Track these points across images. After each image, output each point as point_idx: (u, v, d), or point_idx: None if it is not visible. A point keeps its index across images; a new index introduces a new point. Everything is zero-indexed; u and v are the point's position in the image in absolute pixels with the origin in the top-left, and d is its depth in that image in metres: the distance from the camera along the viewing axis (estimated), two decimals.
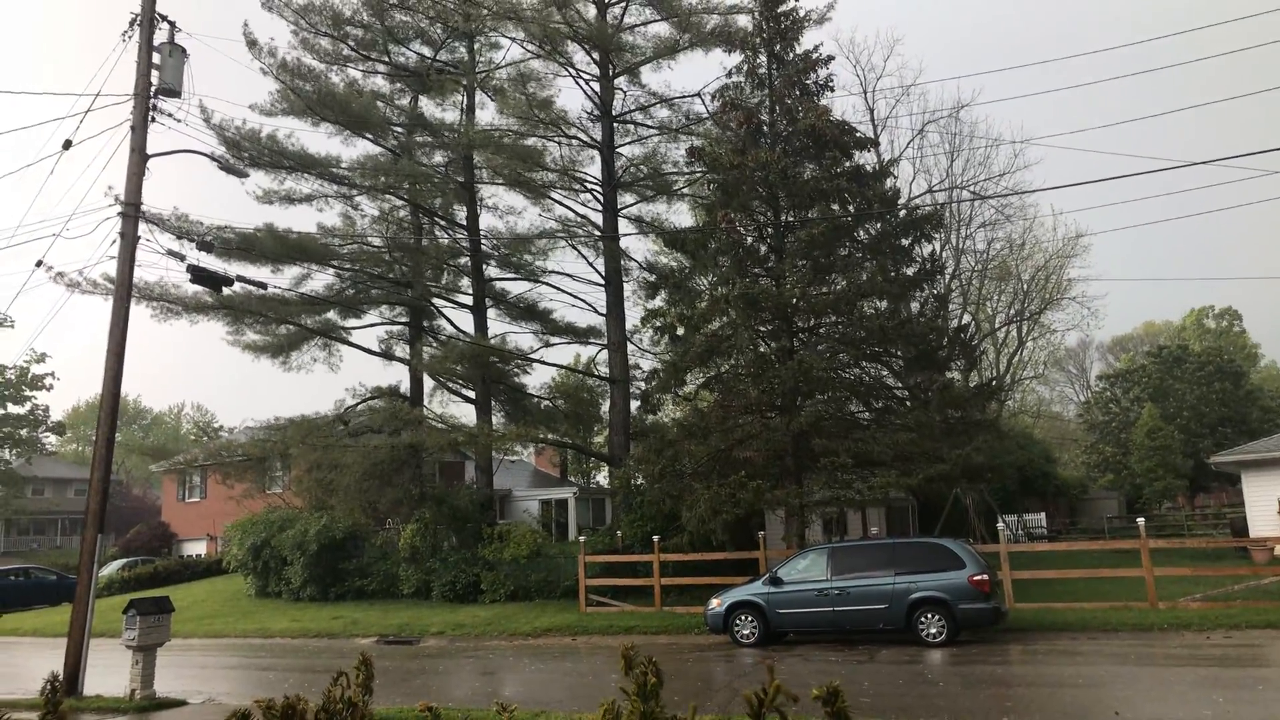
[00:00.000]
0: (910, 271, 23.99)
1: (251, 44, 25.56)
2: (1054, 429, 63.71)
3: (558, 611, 22.54)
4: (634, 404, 28.38)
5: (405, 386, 30.29)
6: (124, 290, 15.52)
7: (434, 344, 30.27)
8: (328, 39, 28.13)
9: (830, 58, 23.23)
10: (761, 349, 22.44)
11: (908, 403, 23.57)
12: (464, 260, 30.45)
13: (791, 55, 23.29)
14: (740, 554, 21.79)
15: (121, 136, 15.87)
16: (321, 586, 28.07)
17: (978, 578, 15.74)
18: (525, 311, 32.17)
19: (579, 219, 30.07)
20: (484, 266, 30.45)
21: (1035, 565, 20.71)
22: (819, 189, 22.05)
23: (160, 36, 16.08)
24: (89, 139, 27.64)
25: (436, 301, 30.73)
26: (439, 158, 30.68)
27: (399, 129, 29.71)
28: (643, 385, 27.36)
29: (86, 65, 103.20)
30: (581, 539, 24.66)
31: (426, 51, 30.14)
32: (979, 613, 15.74)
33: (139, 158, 15.70)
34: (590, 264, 30.06)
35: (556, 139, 28.75)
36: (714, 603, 17.94)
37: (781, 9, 23.21)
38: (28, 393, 55.71)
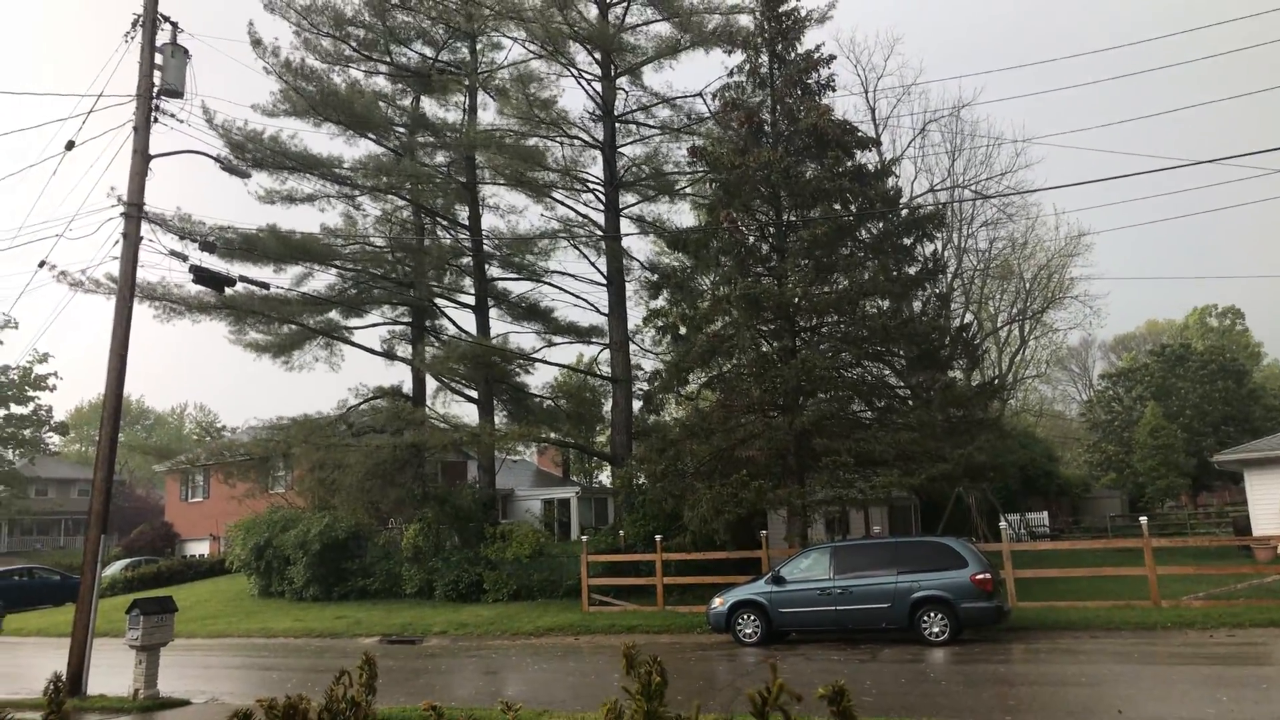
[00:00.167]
0: (912, 271, 23.98)
1: (256, 43, 25.59)
2: (1056, 428, 63.64)
3: (560, 611, 22.55)
4: (636, 404, 28.39)
5: (408, 386, 30.34)
6: (127, 290, 15.54)
7: (436, 344, 30.30)
8: (330, 39, 28.15)
9: (832, 57, 23.22)
10: (764, 348, 22.44)
11: (910, 402, 23.55)
12: (466, 260, 30.48)
13: (793, 55, 23.28)
14: (742, 553, 21.79)
15: (124, 137, 15.91)
16: (324, 586, 28.10)
17: (980, 576, 15.74)
18: (527, 311, 32.19)
19: (581, 219, 30.10)
20: (486, 266, 30.47)
21: (1038, 564, 20.71)
22: (821, 188, 22.05)
23: (163, 37, 16.10)
24: (91, 140, 27.62)
25: (438, 301, 30.76)
26: (441, 158, 30.70)
27: (401, 129, 29.73)
28: (645, 385, 27.38)
29: (89, 66, 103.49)
30: (584, 538, 24.66)
31: (428, 52, 30.17)
32: (982, 612, 15.73)
33: (141, 158, 15.72)
34: (592, 264, 30.09)
35: (558, 139, 28.76)
36: (716, 602, 17.94)
37: (783, 8, 23.19)
38: (31, 393, 55.81)
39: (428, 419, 27.84)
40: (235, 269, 24.32)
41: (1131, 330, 77.23)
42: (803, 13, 23.43)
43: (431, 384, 30.35)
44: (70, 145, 15.92)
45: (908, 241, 24.05)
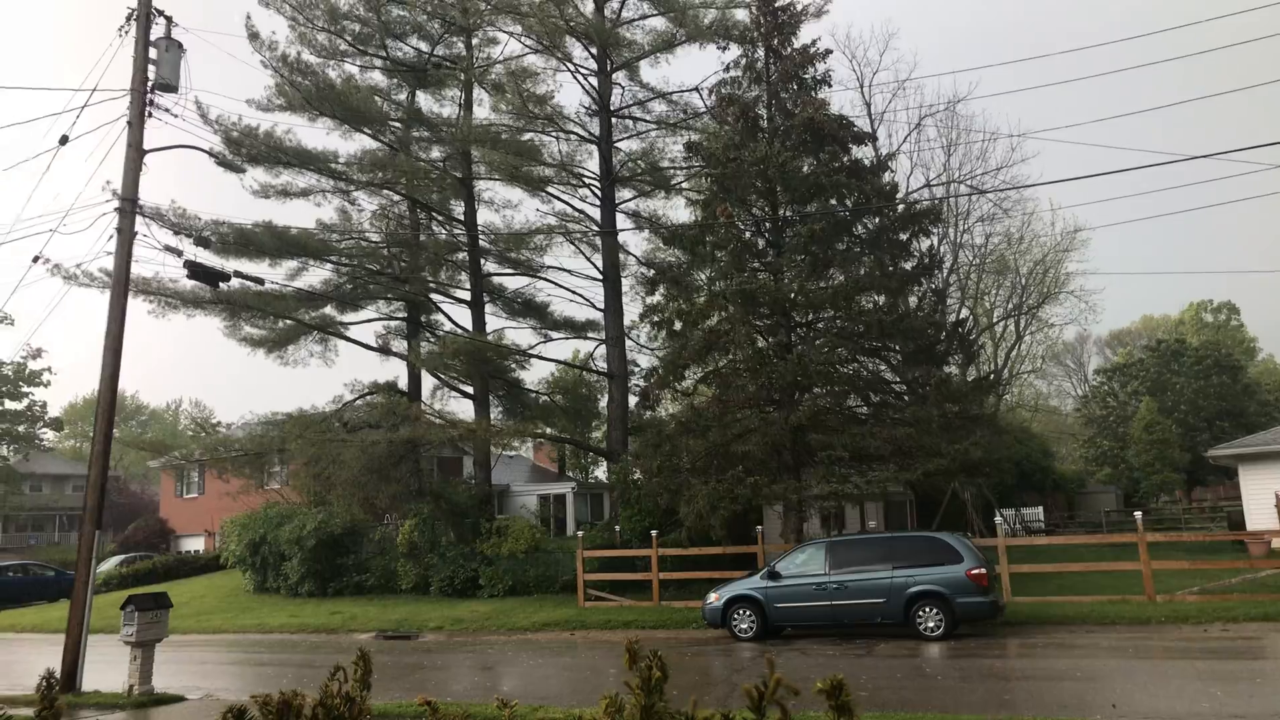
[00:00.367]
0: (908, 266, 23.99)
1: (253, 37, 25.50)
2: (1052, 423, 63.75)
3: (556, 606, 22.56)
4: (632, 399, 28.38)
5: (403, 382, 30.30)
6: (121, 286, 15.49)
7: (432, 339, 30.24)
8: (325, 34, 28.08)
9: (828, 52, 23.23)
10: (760, 344, 22.43)
11: (905, 397, 23.58)
12: (462, 255, 30.41)
13: (789, 49, 23.26)
14: (738, 549, 21.80)
15: (119, 132, 15.86)
16: (320, 582, 28.07)
17: (976, 571, 15.76)
18: (523, 307, 32.16)
19: (577, 214, 30.05)
20: (482, 262, 30.42)
21: (1033, 559, 20.75)
22: (817, 183, 22.06)
23: (157, 31, 16.04)
24: (86, 134, 27.46)
25: (434, 297, 30.69)
26: (436, 153, 30.64)
27: (397, 124, 29.65)
28: (641, 381, 27.36)
29: (83, 61, 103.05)
30: (580, 534, 24.66)
31: (424, 47, 30.10)
32: (977, 606, 15.75)
33: (136, 153, 15.67)
34: (588, 259, 30.05)
35: (554, 134, 28.70)
36: (712, 597, 17.95)
37: (779, 3, 23.19)
38: (25, 388, 55.65)
39: (423, 414, 27.80)
40: (230, 264, 24.33)
41: (1127, 325, 77.37)
42: (798, 7, 23.43)
43: (427, 379, 30.32)
44: (64, 140, 15.86)
45: (904, 237, 24.07)
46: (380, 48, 29.47)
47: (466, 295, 30.39)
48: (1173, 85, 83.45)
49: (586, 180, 29.46)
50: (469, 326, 29.68)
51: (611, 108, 29.00)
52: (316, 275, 29.13)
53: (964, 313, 37.40)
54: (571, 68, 28.43)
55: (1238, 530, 26.82)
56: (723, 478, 20.51)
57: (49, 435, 62.04)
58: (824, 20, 26.82)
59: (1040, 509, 40.11)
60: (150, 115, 15.92)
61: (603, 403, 31.28)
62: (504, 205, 32.54)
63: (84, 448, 73.44)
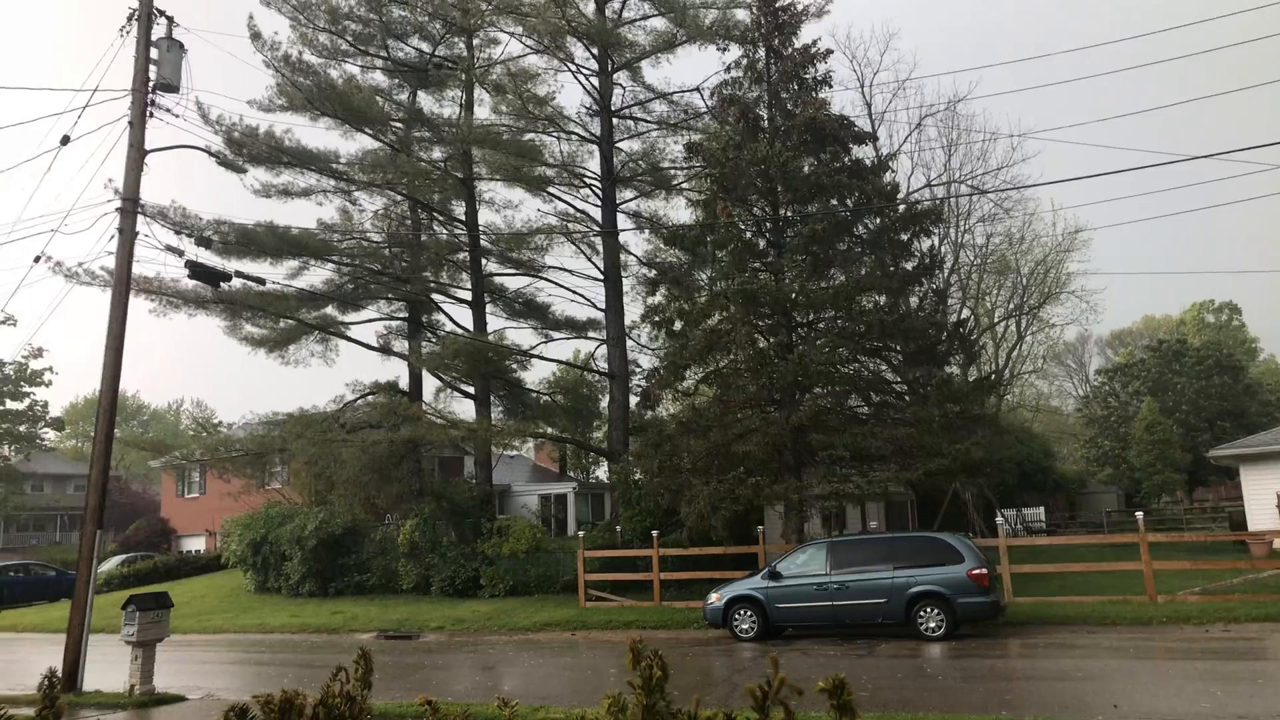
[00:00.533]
0: (909, 266, 24.00)
1: (255, 36, 25.50)
2: (1053, 423, 63.74)
3: (557, 606, 22.56)
4: (633, 399, 28.38)
5: (404, 382, 30.31)
6: (122, 286, 15.49)
7: (433, 339, 30.25)
8: (326, 34, 28.09)
9: (828, 52, 23.25)
10: (760, 344, 22.43)
11: (906, 397, 23.59)
12: (463, 255, 30.42)
13: (789, 49, 23.27)
14: (739, 549, 21.79)
15: (120, 132, 15.86)
16: (321, 582, 28.08)
17: (977, 572, 15.76)
18: (524, 307, 32.16)
19: (578, 214, 30.05)
20: (483, 262, 30.43)
21: (1034, 559, 20.73)
22: (818, 183, 22.06)
23: (158, 32, 16.04)
24: (87, 134, 27.45)
25: (435, 297, 30.70)
26: (438, 153, 30.62)
27: (398, 124, 29.64)
28: (642, 381, 27.36)
29: (85, 61, 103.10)
30: (581, 534, 24.66)
31: (425, 47, 30.09)
32: (978, 607, 15.75)
33: (137, 153, 15.67)
34: (589, 259, 30.06)
35: (555, 134, 28.71)
36: (713, 597, 17.94)
37: (779, 3, 23.18)
38: (26, 388, 55.65)
39: (424, 414, 27.80)
40: (232, 264, 24.35)
41: (1128, 325, 77.35)
42: (799, 7, 23.44)
43: (429, 380, 30.33)
44: (65, 140, 15.87)
45: (905, 237, 24.07)
46: (382, 48, 29.47)
47: (468, 295, 30.40)
48: (1174, 85, 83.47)
49: (588, 180, 29.48)
50: (470, 327, 29.69)
51: (612, 108, 29.00)
52: (318, 275, 29.18)
53: (965, 313, 37.42)
54: (573, 68, 28.47)
55: (1239, 530, 26.82)
56: (724, 478, 20.50)
57: (50, 435, 62.07)
58: (824, 20, 26.80)
59: (1041, 509, 40.12)
60: (151, 115, 15.93)
61: (604, 403, 31.27)
62: (505, 206, 32.56)
63: (85, 448, 73.48)
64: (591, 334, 32.35)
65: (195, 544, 45.02)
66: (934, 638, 15.58)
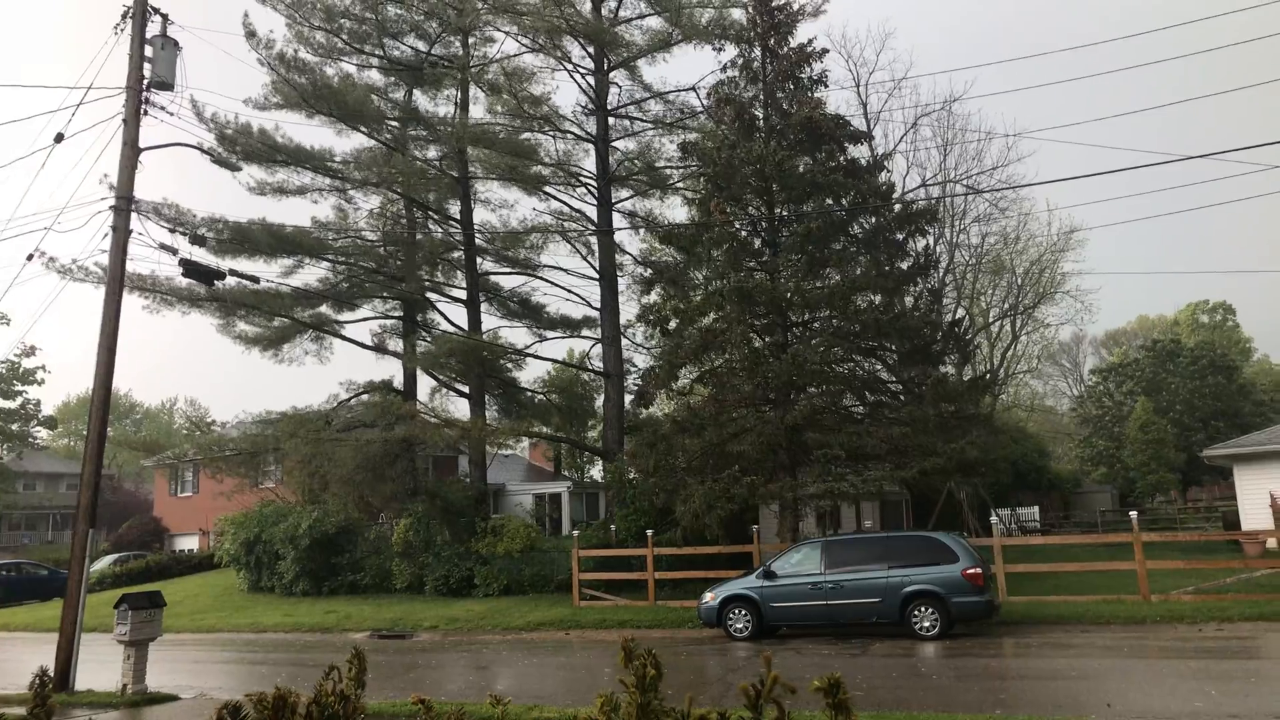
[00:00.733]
0: (904, 266, 24.02)
1: (250, 35, 25.42)
2: (1047, 423, 63.89)
3: (551, 606, 22.54)
4: (628, 399, 28.37)
5: (399, 381, 30.25)
6: (116, 284, 15.44)
7: (427, 338, 30.19)
8: (322, 33, 28.03)
9: (824, 51, 23.25)
10: (755, 343, 22.44)
11: (901, 397, 23.61)
12: (458, 254, 30.38)
13: (785, 49, 23.28)
14: (734, 548, 21.78)
15: (114, 130, 15.82)
16: (314, 581, 28.02)
17: (971, 571, 15.77)
18: (519, 306, 32.12)
19: (574, 213, 30.03)
20: (478, 260, 30.39)
21: (1028, 559, 20.76)
22: (814, 182, 22.07)
23: (153, 29, 16.01)
24: (82, 132, 27.37)
25: (430, 295, 30.65)
26: (433, 152, 30.58)
27: (393, 122, 29.59)
28: (637, 380, 27.35)
29: (79, 58, 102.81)
30: (575, 533, 24.64)
31: (421, 46, 30.04)
32: (972, 606, 15.76)
33: (131, 151, 15.63)
34: (584, 258, 30.02)
35: (550, 133, 28.67)
36: (708, 597, 17.93)
37: (775, 2, 23.18)
38: (19, 386, 55.50)
39: (419, 413, 27.73)
40: (226, 262, 24.30)
41: (1123, 325, 77.60)
42: (795, 7, 23.45)
43: (423, 379, 30.27)
44: (59, 138, 15.81)
45: (900, 236, 24.09)
46: (378, 46, 29.41)
47: (463, 294, 30.36)
48: (1169, 85, 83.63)
49: (583, 179, 29.43)
50: (465, 326, 29.65)
51: (608, 107, 28.98)
52: (312, 273, 29.13)
53: (960, 312, 37.47)
54: (569, 67, 28.44)
55: (1233, 530, 26.86)
56: (719, 477, 20.50)
57: (43, 434, 61.92)
58: (820, 20, 26.91)
59: (1036, 509, 40.18)
60: (146, 113, 15.89)
61: (599, 402, 31.25)
62: (500, 205, 32.51)
63: (78, 446, 73.31)
64: (586, 333, 32.34)
65: (188, 543, 44.89)
66: (928, 637, 15.58)
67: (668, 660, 3.08)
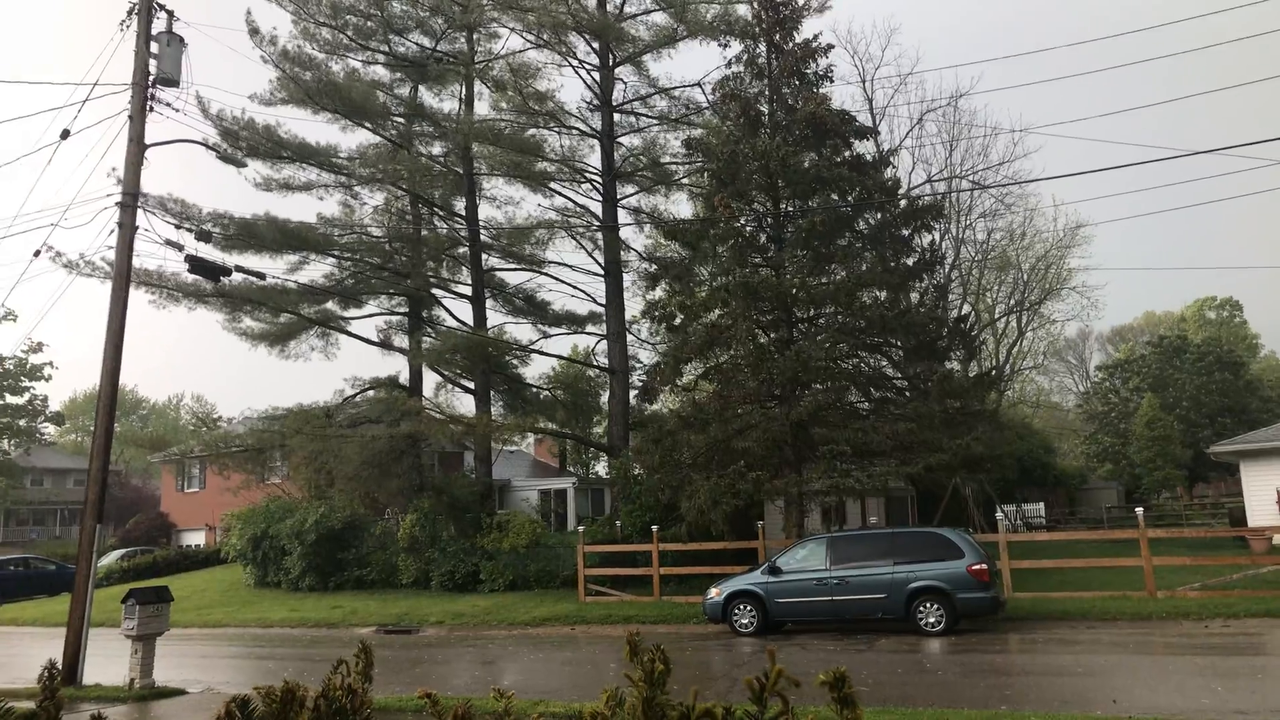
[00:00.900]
0: (910, 261, 23.98)
1: (253, 32, 25.48)
2: (1053, 419, 63.79)
3: (556, 601, 22.57)
4: (633, 394, 28.38)
5: (404, 377, 30.30)
6: (122, 280, 15.48)
7: (433, 334, 30.23)
8: (328, 29, 28.06)
9: (830, 47, 23.20)
10: (761, 339, 22.42)
11: (907, 393, 23.57)
12: (463, 250, 30.40)
13: (790, 45, 23.22)
14: (739, 544, 21.79)
15: (120, 126, 15.85)
16: (320, 576, 28.09)
17: (977, 567, 15.76)
18: (524, 302, 32.15)
19: (579, 209, 30.03)
20: (483, 257, 30.40)
21: (1034, 555, 20.74)
22: (819, 178, 22.03)
23: (158, 26, 16.04)
24: (88, 128, 27.44)
25: (436, 292, 30.69)
26: (438, 148, 30.60)
27: (399, 118, 29.62)
28: (642, 376, 27.36)
29: (85, 54, 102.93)
30: (580, 529, 24.67)
31: (426, 42, 30.03)
32: (978, 602, 15.76)
33: (137, 147, 15.66)
34: (590, 254, 30.05)
35: (555, 129, 28.67)
36: (713, 592, 17.95)
37: None
38: (26, 383, 55.69)
39: (424, 409, 27.79)
40: (232, 258, 24.31)
41: (1129, 322, 77.41)
42: (800, 2, 23.37)
43: (429, 375, 30.34)
44: (65, 134, 15.86)
45: (905, 232, 24.05)
46: (383, 42, 29.43)
47: (468, 290, 30.39)
48: (1177, 80, 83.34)
49: (588, 175, 29.45)
50: (470, 322, 29.70)
51: (613, 103, 28.96)
52: (318, 269, 29.17)
53: (966, 308, 37.45)
54: (574, 63, 28.42)
55: (1239, 526, 26.81)
56: (724, 473, 20.49)
57: (50, 429, 62.19)
58: (826, 15, 26.84)
59: (1041, 505, 40.17)
60: (152, 109, 15.92)
61: (604, 398, 31.27)
62: (506, 201, 32.60)
63: (85, 442, 73.51)
64: (592, 329, 32.38)
65: (195, 538, 45.04)
66: (934, 633, 15.58)
67: (673, 655, 3.08)
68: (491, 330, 29.59)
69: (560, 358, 33.83)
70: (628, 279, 29.69)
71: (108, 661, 15.18)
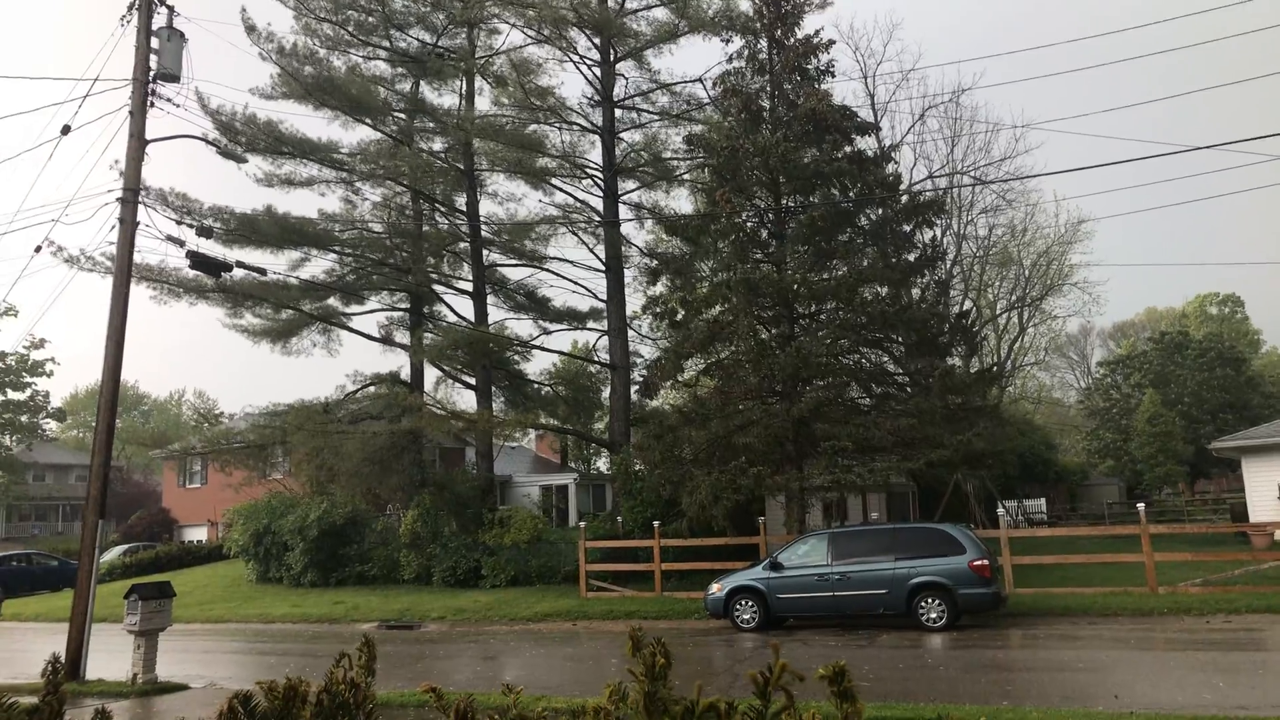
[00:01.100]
0: (911, 257, 23.98)
1: (250, 29, 25.43)
2: (1055, 415, 63.75)
3: (558, 597, 22.59)
4: (634, 390, 28.37)
5: (406, 373, 30.29)
6: (123, 276, 15.48)
7: (434, 330, 30.22)
8: (329, 24, 28.02)
9: (831, 42, 23.16)
10: (762, 335, 22.42)
11: (908, 389, 23.58)
12: (464, 246, 30.38)
13: (792, 40, 23.19)
14: (740, 539, 21.81)
15: (121, 122, 15.84)
16: (322, 572, 28.13)
17: (978, 563, 15.77)
18: (525, 298, 32.12)
19: (580, 205, 30.00)
20: (484, 252, 30.38)
21: (1035, 550, 20.75)
22: (820, 173, 22.01)
23: (159, 21, 16.02)
24: (88, 124, 27.44)
25: (437, 288, 30.66)
26: (439, 144, 30.56)
27: (400, 114, 29.58)
28: (644, 372, 27.35)
29: (86, 49, 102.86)
30: (582, 524, 24.69)
31: (427, 37, 29.98)
32: (979, 598, 15.76)
33: (137, 143, 15.65)
34: (591, 250, 30.02)
35: (556, 125, 28.64)
36: (714, 588, 17.97)
37: None
38: (28, 378, 55.74)
39: (425, 405, 27.79)
40: (233, 253, 24.29)
41: (1131, 317, 77.35)
42: None
43: (430, 370, 30.32)
44: (66, 130, 15.85)
45: (907, 228, 24.05)
46: (384, 38, 29.38)
47: (469, 286, 30.36)
48: (1178, 76, 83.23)
49: (589, 171, 29.41)
50: (471, 318, 29.69)
51: (615, 98, 28.91)
52: (320, 265, 29.14)
53: (967, 304, 37.44)
54: (575, 58, 28.36)
55: (1240, 522, 26.79)
56: (725, 468, 20.50)
57: (52, 425, 62.17)
58: (827, 11, 26.74)
59: (1043, 501, 40.21)
60: (152, 105, 15.91)
61: (605, 394, 31.27)
62: (507, 198, 32.64)
63: (86, 438, 73.55)
64: (593, 325, 32.35)
65: (197, 534, 45.10)
66: (935, 628, 15.59)
67: (675, 651, 3.09)
68: (493, 326, 29.59)
69: (561, 353, 33.81)
70: (629, 275, 29.71)
71: (110, 657, 15.21)
